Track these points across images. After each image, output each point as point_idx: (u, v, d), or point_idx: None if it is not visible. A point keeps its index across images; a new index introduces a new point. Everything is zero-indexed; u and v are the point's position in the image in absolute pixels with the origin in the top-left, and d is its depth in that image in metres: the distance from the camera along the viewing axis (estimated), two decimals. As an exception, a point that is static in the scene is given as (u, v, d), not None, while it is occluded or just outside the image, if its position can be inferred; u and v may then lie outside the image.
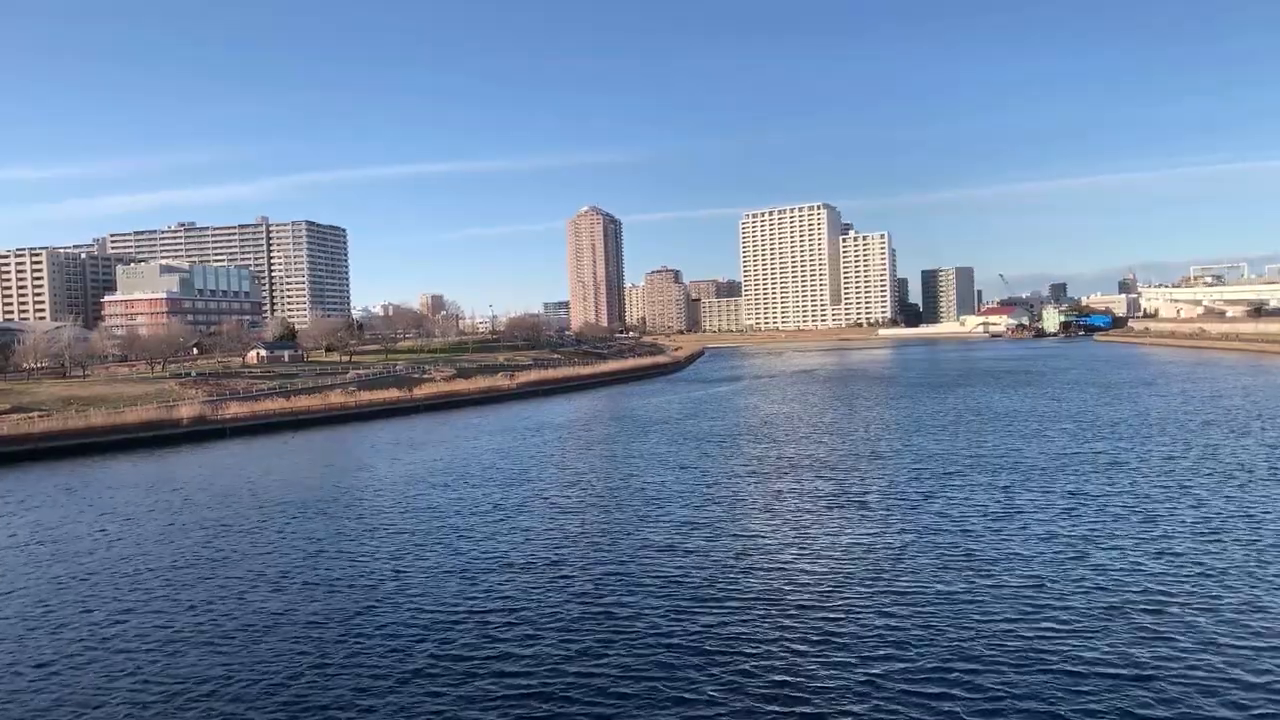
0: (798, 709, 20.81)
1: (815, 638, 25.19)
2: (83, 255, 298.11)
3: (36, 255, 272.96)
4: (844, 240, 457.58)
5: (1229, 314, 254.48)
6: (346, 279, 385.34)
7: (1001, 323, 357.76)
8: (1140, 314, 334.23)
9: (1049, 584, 29.08)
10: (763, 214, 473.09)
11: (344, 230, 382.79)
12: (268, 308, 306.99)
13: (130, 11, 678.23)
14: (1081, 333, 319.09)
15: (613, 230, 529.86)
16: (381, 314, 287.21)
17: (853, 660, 23.46)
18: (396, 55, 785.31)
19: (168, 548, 39.90)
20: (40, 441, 76.81)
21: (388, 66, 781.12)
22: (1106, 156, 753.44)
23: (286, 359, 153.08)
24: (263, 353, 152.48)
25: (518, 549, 36.95)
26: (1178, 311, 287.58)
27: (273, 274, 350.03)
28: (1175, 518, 37.59)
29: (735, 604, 28.49)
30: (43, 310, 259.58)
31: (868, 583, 30.14)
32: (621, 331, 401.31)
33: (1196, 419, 70.92)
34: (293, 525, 43.68)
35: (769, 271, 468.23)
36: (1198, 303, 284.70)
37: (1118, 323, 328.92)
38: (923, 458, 56.77)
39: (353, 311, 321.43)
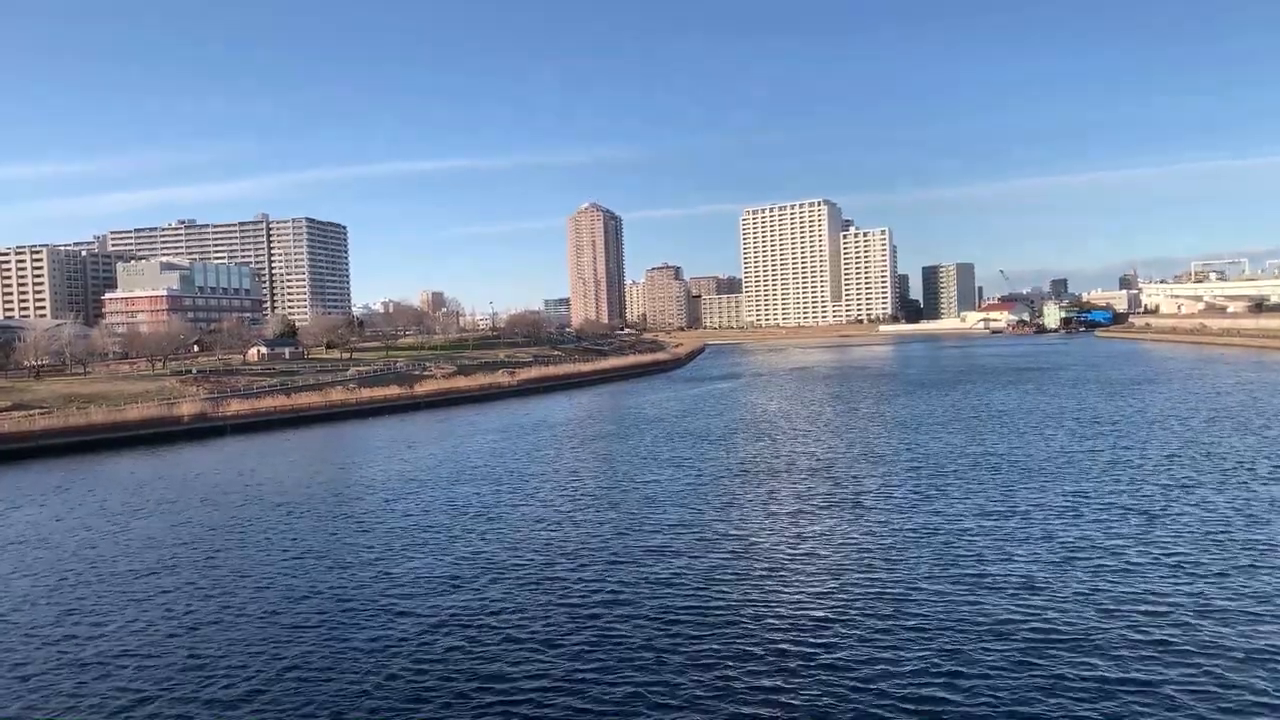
0: (792, 713, 20.58)
1: (811, 639, 24.92)
2: (83, 253, 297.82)
3: (37, 253, 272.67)
4: (845, 237, 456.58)
5: (1230, 310, 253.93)
6: (347, 276, 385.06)
7: (1002, 319, 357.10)
8: (1141, 310, 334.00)
9: (1049, 584, 28.78)
10: (763, 210, 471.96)
11: (344, 227, 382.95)
12: (268, 305, 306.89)
13: (130, 11, 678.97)
14: (1082, 329, 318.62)
15: (613, 227, 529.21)
16: (382, 311, 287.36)
17: (848, 662, 23.20)
18: (396, 54, 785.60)
19: (155, 548, 39.64)
20: (41, 439, 76.90)
21: (388, 65, 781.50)
22: (1106, 154, 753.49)
23: (287, 356, 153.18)
24: (263, 350, 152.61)
25: (508, 551, 36.64)
26: (1179, 307, 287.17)
27: (273, 271, 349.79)
28: (1176, 517, 37.27)
29: (728, 606, 28.21)
30: (43, 308, 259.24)
31: (863, 584, 29.85)
32: (622, 328, 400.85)
33: (1198, 416, 70.59)
34: (283, 526, 43.45)
35: (770, 268, 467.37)
36: (1199, 299, 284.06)
37: (1119, 319, 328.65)
38: (922, 456, 56.46)
39: (353, 309, 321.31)
